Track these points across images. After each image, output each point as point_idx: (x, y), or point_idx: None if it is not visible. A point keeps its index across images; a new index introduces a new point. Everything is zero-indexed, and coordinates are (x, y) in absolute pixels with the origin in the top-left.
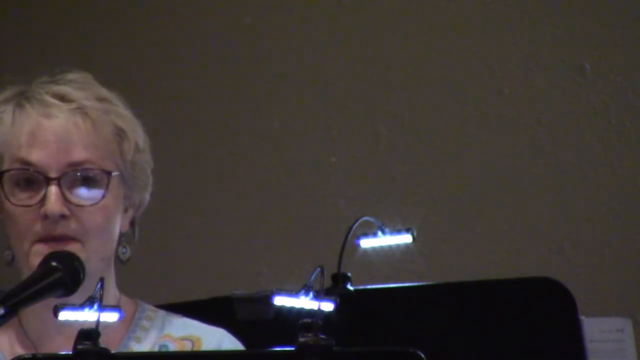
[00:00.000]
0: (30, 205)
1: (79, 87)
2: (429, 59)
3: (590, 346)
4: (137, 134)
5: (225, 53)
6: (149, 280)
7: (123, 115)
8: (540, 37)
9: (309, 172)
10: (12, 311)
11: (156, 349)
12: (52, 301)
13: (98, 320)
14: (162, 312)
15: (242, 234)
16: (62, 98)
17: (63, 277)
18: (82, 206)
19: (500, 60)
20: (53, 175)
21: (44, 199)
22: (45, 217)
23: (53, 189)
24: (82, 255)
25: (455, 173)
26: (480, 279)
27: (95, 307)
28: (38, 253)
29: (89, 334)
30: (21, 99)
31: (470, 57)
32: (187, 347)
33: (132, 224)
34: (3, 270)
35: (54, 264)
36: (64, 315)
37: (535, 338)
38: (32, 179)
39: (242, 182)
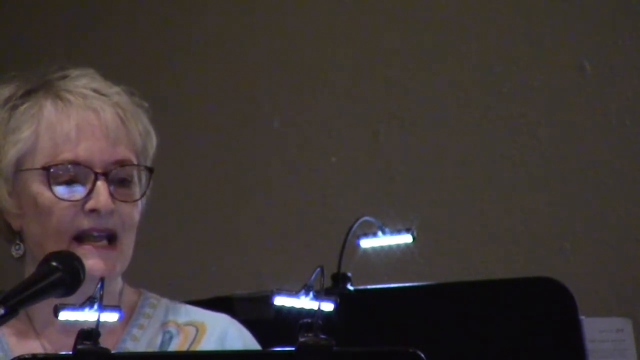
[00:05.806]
0: (76, 200)
1: (103, 82)
2: (429, 58)
3: (590, 346)
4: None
5: (225, 52)
6: (149, 280)
7: (144, 113)
8: (540, 37)
9: (309, 172)
10: (13, 311)
11: (160, 336)
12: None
13: (98, 320)
14: (165, 300)
15: (242, 234)
16: (98, 92)
17: (63, 277)
18: (124, 202)
19: (500, 60)
20: (100, 170)
21: (89, 194)
22: (92, 211)
23: (101, 184)
24: (118, 254)
25: (455, 173)
26: (480, 279)
27: (95, 307)
28: (87, 254)
29: (89, 334)
30: (60, 92)
31: (470, 57)
32: (191, 332)
33: None
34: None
35: (54, 264)
36: (64, 315)
37: (535, 338)
38: (79, 173)
39: (242, 182)
